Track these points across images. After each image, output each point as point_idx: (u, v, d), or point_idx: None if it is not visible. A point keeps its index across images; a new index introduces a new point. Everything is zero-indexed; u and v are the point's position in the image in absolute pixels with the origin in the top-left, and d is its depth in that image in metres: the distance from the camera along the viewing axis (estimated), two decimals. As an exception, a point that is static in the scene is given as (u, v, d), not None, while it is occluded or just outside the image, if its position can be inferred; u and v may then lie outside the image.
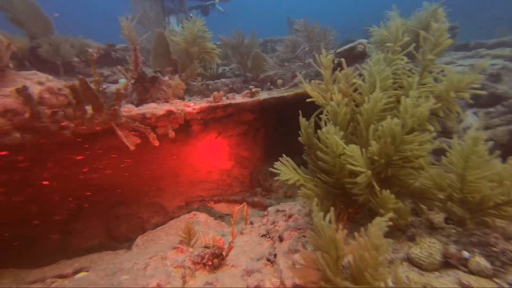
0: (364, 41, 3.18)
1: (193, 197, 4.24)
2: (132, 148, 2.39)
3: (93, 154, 3.36)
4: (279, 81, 4.72)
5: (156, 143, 2.61)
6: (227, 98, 3.20)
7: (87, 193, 3.85)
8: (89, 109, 2.06)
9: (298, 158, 4.69)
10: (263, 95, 3.39)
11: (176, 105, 2.85)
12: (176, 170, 5.23)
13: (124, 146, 3.68)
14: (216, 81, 4.99)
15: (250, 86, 3.41)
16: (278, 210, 2.04)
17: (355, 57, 3.30)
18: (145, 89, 3.43)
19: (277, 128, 5.56)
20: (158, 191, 4.51)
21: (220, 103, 3.00)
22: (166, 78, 3.38)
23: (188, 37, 3.59)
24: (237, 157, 5.71)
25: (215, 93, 3.03)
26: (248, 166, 5.34)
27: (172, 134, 2.77)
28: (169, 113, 2.69)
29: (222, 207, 4.04)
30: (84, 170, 3.24)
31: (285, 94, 3.31)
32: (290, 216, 1.82)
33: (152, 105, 2.72)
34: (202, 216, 2.34)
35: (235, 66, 6.95)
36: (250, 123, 5.48)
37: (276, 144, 5.65)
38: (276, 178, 1.58)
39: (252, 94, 3.37)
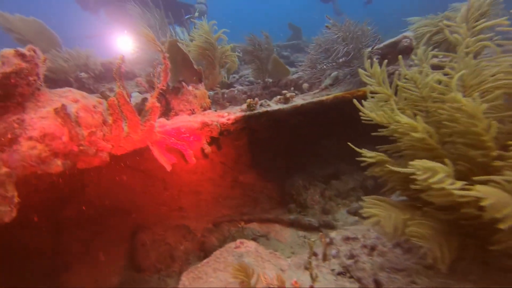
0: (409, 34, 3.02)
1: (220, 217, 4.01)
2: (169, 168, 2.21)
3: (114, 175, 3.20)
4: (305, 85, 4.56)
5: (193, 161, 2.43)
6: (261, 105, 3.04)
7: (106, 218, 3.67)
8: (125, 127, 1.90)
9: (331, 167, 4.44)
10: (299, 101, 3.21)
11: (210, 116, 2.68)
12: (196, 186, 5.04)
13: (138, 163, 3.51)
14: (232, 89, 4.87)
15: (283, 91, 3.25)
16: (348, 238, 1.80)
17: (399, 53, 3.13)
18: (166, 101, 3.30)
19: (310, 135, 5.35)
20: (180, 211, 4.30)
21: (256, 112, 2.83)
22: (190, 87, 3.25)
23: (206, 42, 3.48)
24: (261, 167, 5.51)
25: (250, 100, 2.87)
26: (274, 178, 5.12)
27: (208, 149, 2.59)
28: (204, 125, 2.52)
29: (254, 227, 3.80)
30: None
31: (323, 98, 3.13)
32: (373, 248, 1.58)
33: (185, 117, 2.56)
34: (250, 245, 2.11)
35: (247, 72, 6.87)
36: (279, 131, 5.30)
37: (307, 152, 5.43)
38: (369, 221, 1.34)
39: (287, 100, 3.20)
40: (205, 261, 2.17)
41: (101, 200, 3.84)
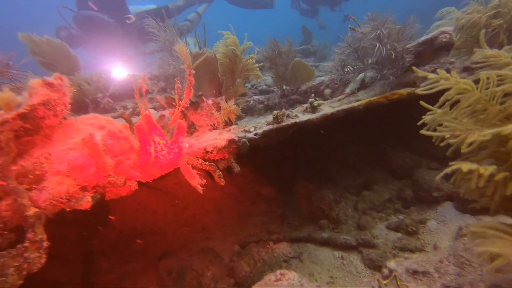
0: (449, 28, 2.80)
1: (247, 236, 3.83)
2: (200, 191, 2.08)
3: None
4: (327, 91, 4.39)
5: (222, 182, 2.29)
6: (287, 116, 2.88)
7: (130, 243, 3.58)
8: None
9: (361, 176, 4.17)
10: (327, 109, 3.04)
11: (236, 132, 2.55)
12: (217, 203, 4.90)
13: (154, 182, 3.42)
14: (247, 99, 4.77)
15: (311, 100, 3.08)
16: (415, 272, 1.55)
17: (437, 50, 2.91)
18: (185, 115, 3.22)
19: (337, 142, 5.13)
20: (204, 232, 4.15)
21: (284, 124, 2.68)
22: (210, 101, 3.16)
23: (231, 54, 3.41)
24: (284, 179, 5.31)
25: (277, 112, 2.73)
26: (300, 190, 4.90)
27: (237, 168, 2.45)
28: (231, 142, 2.39)
29: (285, 248, 3.57)
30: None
31: (355, 104, 2.93)
32: None
33: (211, 135, 2.45)
34: (292, 277, 1.90)
35: (259, 81, 6.79)
36: (303, 139, 5.10)
37: (334, 161, 5.18)
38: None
39: (314, 109, 3.03)
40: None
41: (123, 224, 3.77)
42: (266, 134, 2.61)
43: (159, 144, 1.76)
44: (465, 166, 1.29)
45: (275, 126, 2.67)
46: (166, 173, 1.93)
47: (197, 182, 1.98)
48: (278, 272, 1.97)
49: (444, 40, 2.77)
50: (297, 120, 2.74)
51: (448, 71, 2.77)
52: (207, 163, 2.15)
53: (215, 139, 2.36)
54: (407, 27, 2.82)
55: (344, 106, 2.96)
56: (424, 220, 3.09)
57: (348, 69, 3.39)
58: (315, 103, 3.06)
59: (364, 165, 4.87)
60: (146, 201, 4.26)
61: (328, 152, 5.35)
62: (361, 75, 3.75)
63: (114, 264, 3.25)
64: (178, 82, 2.14)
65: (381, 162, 4.59)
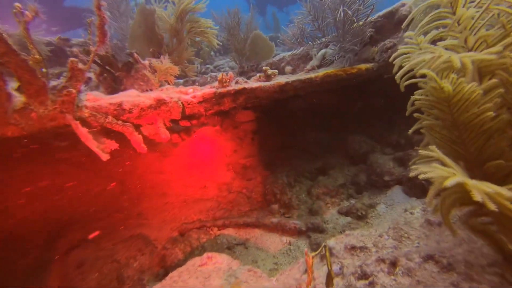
0: (407, 1, 2.69)
1: (189, 223, 3.44)
2: (104, 157, 1.63)
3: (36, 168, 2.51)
4: (288, 68, 4.14)
5: (143, 148, 1.85)
6: (236, 82, 2.53)
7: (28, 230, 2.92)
8: (19, 96, 1.30)
9: (318, 161, 4.07)
10: (282, 78, 2.76)
11: (169, 92, 2.12)
12: (161, 188, 4.40)
13: (80, 157, 2.88)
14: (204, 75, 4.31)
15: (264, 67, 2.77)
16: (353, 247, 1.37)
17: (398, 24, 2.80)
18: (115, 80, 2.66)
19: (296, 126, 4.96)
20: (139, 218, 3.65)
21: (230, 89, 2.32)
22: (147, 61, 2.65)
23: (175, 11, 2.90)
24: (237, 165, 5.03)
25: (222, 74, 2.35)
26: (253, 176, 4.66)
27: (166, 134, 2.03)
28: (160, 103, 1.95)
29: (230, 234, 3.28)
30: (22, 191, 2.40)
31: (312, 75, 2.70)
32: (393, 264, 1.15)
33: (133, 92, 1.97)
34: (221, 260, 1.60)
35: (222, 62, 6.32)
36: (255, 120, 4.83)
37: (294, 145, 5.02)
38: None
39: (268, 78, 2.73)
40: (159, 285, 1.63)
41: (22, 212, 3.07)
42: (207, 98, 2.22)
43: (30, 84, 1.25)
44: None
45: (220, 90, 2.29)
46: (52, 127, 1.43)
47: (96, 146, 1.52)
48: (205, 255, 1.64)
49: (404, 13, 2.65)
50: (246, 85, 2.40)
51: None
52: (120, 122, 1.69)
53: (137, 96, 1.89)
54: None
55: (301, 76, 2.70)
56: (374, 204, 3.06)
57: (308, 39, 3.14)
58: (269, 71, 2.75)
59: (323, 151, 4.80)
60: (70, 184, 3.57)
61: (291, 138, 5.19)
62: (322, 51, 3.55)
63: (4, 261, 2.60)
64: (99, 16, 1.62)
65: (340, 148, 4.55)
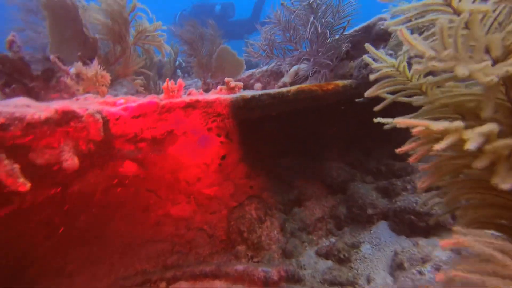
0: (385, 15, 2.54)
1: (129, 276, 2.66)
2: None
3: None
4: (258, 85, 3.81)
5: (21, 186, 1.22)
6: (189, 94, 2.05)
7: None
8: None
9: (293, 191, 3.63)
10: (249, 92, 2.35)
11: (86, 103, 1.55)
12: (99, 229, 3.54)
13: None
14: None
15: (227, 79, 2.35)
16: None
17: (375, 39, 2.62)
18: (30, 93, 2.02)
19: (263, 146, 4.53)
20: (58, 276, 2.75)
21: (178, 101, 1.82)
22: (72, 69, 2.07)
23: (115, 10, 2.43)
24: (200, 196, 4.39)
25: (168, 81, 1.86)
26: (218, 209, 4.05)
27: (72, 162, 1.41)
28: (66, 116, 1.37)
29: (182, 290, 2.56)
30: None
31: (284, 90, 2.34)
32: None
33: (22, 100, 1.37)
34: None
35: (191, 82, 5.91)
36: (221, 140, 4.34)
37: (261, 171, 4.54)
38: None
39: (231, 91, 2.30)
40: None
41: None
42: (145, 112, 1.68)
43: None
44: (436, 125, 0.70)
45: (165, 101, 1.78)
46: None
47: None
48: None
49: (381, 27, 2.48)
50: (201, 97, 1.92)
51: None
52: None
53: (24, 106, 1.30)
54: (346, 6, 2.42)
55: (271, 91, 2.31)
56: (357, 244, 2.62)
57: (278, 52, 2.83)
58: (232, 83, 2.33)
59: (298, 178, 4.39)
60: None
61: (260, 164, 4.73)
62: (295, 67, 3.28)
63: None
64: None
65: (317, 175, 4.18)
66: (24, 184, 1.17)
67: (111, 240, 3.42)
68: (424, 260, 1.97)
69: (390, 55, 2.49)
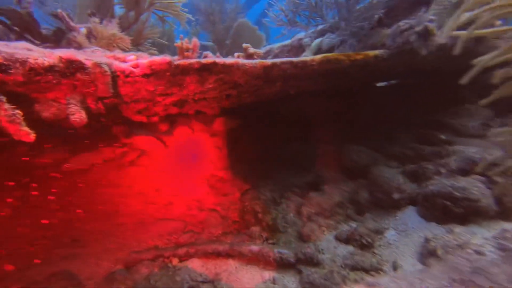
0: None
1: (141, 252, 2.62)
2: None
3: None
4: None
5: (26, 136, 1.12)
6: (205, 57, 1.89)
7: None
8: None
9: (309, 174, 3.45)
10: (268, 59, 2.15)
11: (92, 55, 1.42)
12: (114, 205, 3.54)
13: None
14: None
15: (245, 45, 2.17)
16: None
17: (414, 3, 2.35)
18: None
19: (275, 132, 4.36)
20: (72, 246, 2.75)
21: (193, 61, 1.66)
22: (83, 29, 1.96)
23: None
24: (212, 178, 4.31)
25: (181, 41, 1.70)
26: (230, 191, 3.96)
27: (80, 117, 1.31)
28: (72, 66, 1.25)
29: (195, 267, 2.49)
30: None
31: (308, 58, 2.13)
32: None
33: (22, 44, 1.26)
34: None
35: None
36: (234, 115, 4.21)
37: (274, 155, 4.39)
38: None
39: (249, 56, 2.12)
40: None
41: None
42: (157, 70, 1.54)
43: None
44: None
45: (179, 61, 1.62)
46: None
47: None
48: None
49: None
50: (217, 60, 1.75)
51: (426, 31, 2.18)
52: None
53: (25, 50, 1.18)
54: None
55: (293, 58, 2.11)
56: (381, 230, 2.42)
57: (302, 19, 2.60)
58: (251, 49, 2.15)
59: (313, 163, 4.20)
60: None
61: (272, 148, 4.58)
62: (317, 40, 3.03)
63: None
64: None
65: (334, 159, 3.96)
66: (28, 133, 1.06)
67: (125, 217, 3.41)
68: (462, 248, 1.76)
69: (431, 20, 2.20)
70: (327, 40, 2.82)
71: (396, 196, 2.55)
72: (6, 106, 1.01)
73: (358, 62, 2.21)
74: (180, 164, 4.44)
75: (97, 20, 1.88)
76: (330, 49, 2.82)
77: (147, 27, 2.66)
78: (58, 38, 1.97)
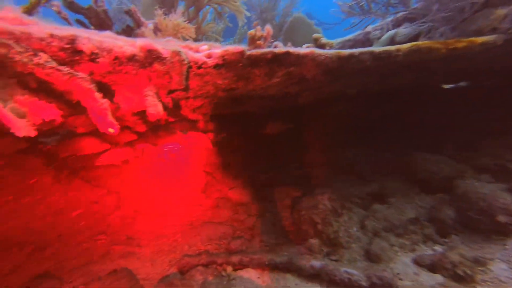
0: None
1: (193, 256, 2.56)
2: (23, 133, 0.86)
3: None
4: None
5: (112, 126, 1.08)
6: (275, 47, 1.73)
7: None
8: None
9: (371, 184, 3.07)
10: (345, 50, 1.91)
11: (168, 44, 1.36)
12: (161, 206, 3.61)
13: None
14: None
15: (315, 36, 1.97)
16: None
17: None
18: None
19: (330, 134, 4.08)
20: (129, 244, 2.82)
21: (266, 51, 1.51)
22: (150, 24, 1.98)
23: None
24: (257, 182, 4.18)
25: (255, 30, 1.57)
26: (282, 195, 3.77)
27: (156, 108, 1.25)
28: (150, 56, 1.19)
29: (251, 277, 2.33)
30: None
31: (393, 48, 1.84)
32: None
33: (107, 33, 1.24)
34: None
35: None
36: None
37: (323, 161, 4.10)
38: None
39: (321, 47, 1.91)
40: None
41: None
42: (229, 60, 1.43)
43: None
44: None
45: (252, 51, 1.50)
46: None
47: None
48: None
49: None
50: (291, 49, 1.58)
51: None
52: (64, 68, 0.93)
53: (112, 37, 1.15)
54: None
55: (374, 48, 1.84)
56: (483, 260, 1.95)
57: (378, 10, 2.31)
58: (323, 40, 1.94)
59: (373, 171, 3.80)
60: (50, 194, 2.93)
61: (321, 154, 4.28)
62: (390, 32, 2.68)
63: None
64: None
65: (400, 168, 3.51)
66: (115, 125, 1.01)
67: (173, 218, 3.44)
68: None
69: None
70: (405, 30, 2.47)
71: (502, 219, 2.05)
72: (97, 95, 0.96)
73: (458, 51, 1.84)
74: (225, 167, 4.40)
75: (161, 12, 1.85)
76: (406, 41, 2.47)
77: (206, 22, 2.62)
78: (127, 35, 2.00)
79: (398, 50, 1.83)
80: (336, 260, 2.38)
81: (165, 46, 1.26)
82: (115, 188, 3.32)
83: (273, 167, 4.31)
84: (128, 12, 1.89)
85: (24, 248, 2.51)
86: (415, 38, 2.43)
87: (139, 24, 1.91)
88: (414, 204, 2.84)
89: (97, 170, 3.10)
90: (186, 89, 1.44)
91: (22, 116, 0.86)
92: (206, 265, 2.41)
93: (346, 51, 1.75)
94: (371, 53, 1.79)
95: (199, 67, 1.38)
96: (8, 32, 0.80)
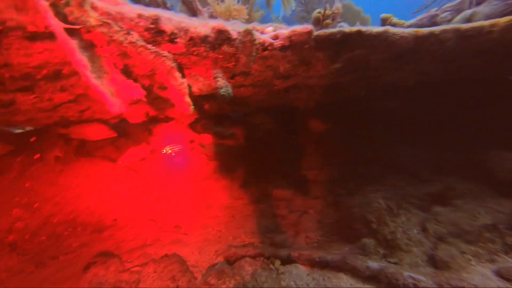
0: None
1: (239, 247, 2.58)
2: (114, 108, 0.90)
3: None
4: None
5: (187, 107, 1.09)
6: (340, 27, 1.62)
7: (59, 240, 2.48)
8: None
9: (432, 183, 2.77)
10: (424, 28, 1.73)
11: (236, 26, 1.34)
12: (207, 197, 3.72)
13: None
14: None
15: (384, 15, 1.81)
16: None
17: None
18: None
19: (375, 132, 3.84)
20: (176, 232, 2.94)
21: (335, 30, 1.42)
22: (207, 14, 1.99)
23: None
24: (298, 179, 4.09)
25: (321, 10, 1.48)
26: (320, 193, 3.67)
27: (228, 91, 1.24)
28: (220, 37, 1.18)
29: (300, 273, 2.27)
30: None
31: (486, 23, 1.62)
32: None
33: (181, 14, 1.26)
34: None
35: None
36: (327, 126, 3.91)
37: (372, 158, 3.87)
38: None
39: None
40: None
41: (58, 209, 2.68)
42: (296, 42, 1.36)
43: None
44: None
45: (319, 31, 1.42)
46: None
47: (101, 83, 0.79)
48: None
49: None
50: (363, 27, 1.46)
51: None
52: (151, 47, 0.96)
53: (186, 19, 1.16)
54: None
55: (460, 24, 1.63)
56: None
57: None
58: (393, 19, 1.78)
59: (430, 170, 3.48)
60: (103, 181, 3.19)
61: (369, 150, 4.04)
62: (467, 11, 2.37)
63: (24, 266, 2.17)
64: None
65: (466, 167, 3.16)
66: (190, 105, 1.01)
67: (217, 210, 3.52)
68: None
69: None
70: (486, 9, 2.16)
71: None
72: (177, 74, 0.97)
73: None
74: (264, 162, 4.38)
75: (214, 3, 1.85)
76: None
77: (253, 11, 2.58)
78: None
79: (492, 25, 1.61)
80: (395, 263, 2.20)
81: (234, 27, 1.24)
82: (161, 180, 3.50)
83: (315, 164, 4.19)
84: (186, 2, 1.92)
85: (87, 228, 2.76)
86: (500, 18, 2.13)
87: (197, 12, 1.94)
88: (489, 208, 2.51)
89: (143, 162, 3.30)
90: (249, 73, 1.41)
91: (112, 94, 0.90)
92: (253, 257, 2.41)
93: (425, 29, 1.58)
94: (457, 30, 1.60)
95: (265, 49, 1.34)
96: (108, 13, 0.84)
